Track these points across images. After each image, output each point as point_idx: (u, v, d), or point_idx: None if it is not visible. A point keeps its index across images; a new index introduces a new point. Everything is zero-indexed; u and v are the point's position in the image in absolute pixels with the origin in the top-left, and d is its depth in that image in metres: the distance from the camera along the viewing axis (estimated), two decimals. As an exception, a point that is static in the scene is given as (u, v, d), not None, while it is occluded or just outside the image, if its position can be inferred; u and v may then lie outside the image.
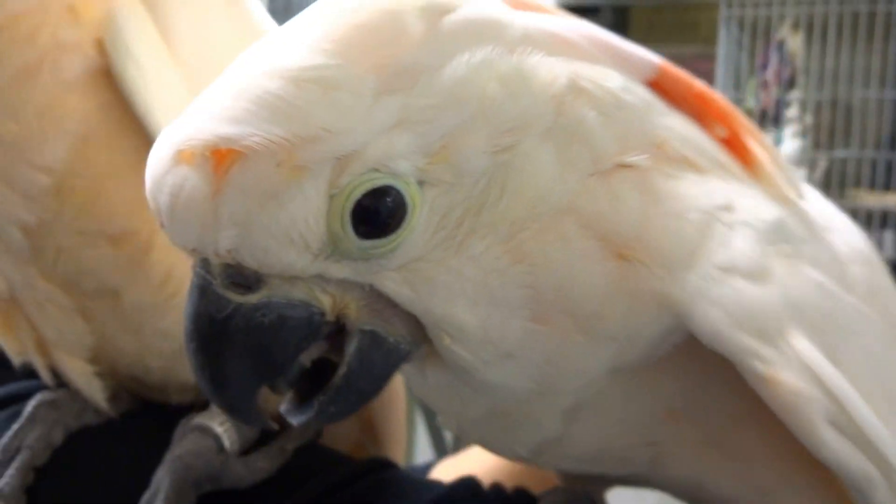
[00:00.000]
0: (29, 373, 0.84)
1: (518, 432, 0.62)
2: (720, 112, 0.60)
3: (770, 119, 3.03)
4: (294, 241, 0.46)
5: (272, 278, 0.48)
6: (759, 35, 3.07)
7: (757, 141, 0.61)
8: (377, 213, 0.47)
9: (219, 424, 0.77)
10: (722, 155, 0.59)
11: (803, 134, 2.95)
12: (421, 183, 0.48)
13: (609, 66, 0.55)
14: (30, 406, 0.80)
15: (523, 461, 0.69)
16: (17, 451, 0.77)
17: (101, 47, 0.68)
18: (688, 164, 0.56)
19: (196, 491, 0.74)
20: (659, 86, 0.58)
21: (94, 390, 0.79)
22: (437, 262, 0.50)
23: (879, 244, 2.91)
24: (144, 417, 0.84)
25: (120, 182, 0.70)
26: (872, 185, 2.97)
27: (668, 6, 3.66)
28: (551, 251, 0.51)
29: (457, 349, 0.51)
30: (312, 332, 0.51)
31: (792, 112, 2.99)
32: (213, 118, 0.46)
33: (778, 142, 2.95)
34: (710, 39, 3.23)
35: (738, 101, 3.09)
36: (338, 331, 0.52)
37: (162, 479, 0.73)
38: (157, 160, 0.47)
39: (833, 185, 2.89)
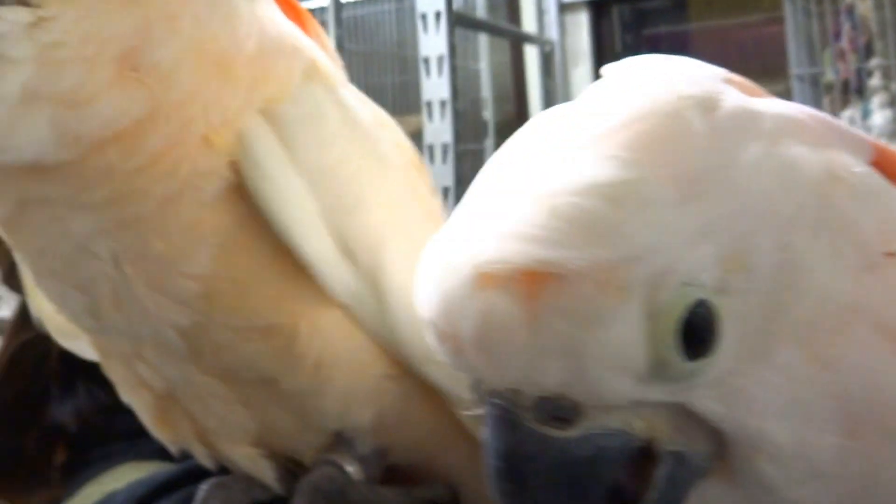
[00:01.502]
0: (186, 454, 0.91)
1: None
2: None
3: (853, 91, 2.86)
4: (624, 368, 0.44)
5: (591, 408, 0.46)
6: (826, 1, 2.91)
7: None
8: (698, 330, 0.45)
9: (340, 457, 0.84)
10: None
11: (892, 103, 2.78)
12: (718, 292, 0.46)
13: (839, 147, 0.52)
14: (201, 491, 0.86)
15: None
16: None
17: (234, 167, 0.73)
18: None
19: None
20: (877, 165, 0.55)
21: (263, 471, 0.85)
22: (746, 375, 0.47)
23: None
24: None
25: (261, 282, 0.77)
26: (975, 145, 2.79)
27: (728, -22, 3.49)
28: (849, 355, 0.48)
29: (768, 467, 0.48)
30: (626, 461, 0.48)
31: (875, 81, 2.76)
32: (521, 239, 0.44)
33: (866, 114, 2.75)
34: (773, 8, 3.09)
35: (817, 76, 2.94)
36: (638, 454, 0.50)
37: (297, 498, 0.81)
38: (451, 284, 0.45)
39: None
